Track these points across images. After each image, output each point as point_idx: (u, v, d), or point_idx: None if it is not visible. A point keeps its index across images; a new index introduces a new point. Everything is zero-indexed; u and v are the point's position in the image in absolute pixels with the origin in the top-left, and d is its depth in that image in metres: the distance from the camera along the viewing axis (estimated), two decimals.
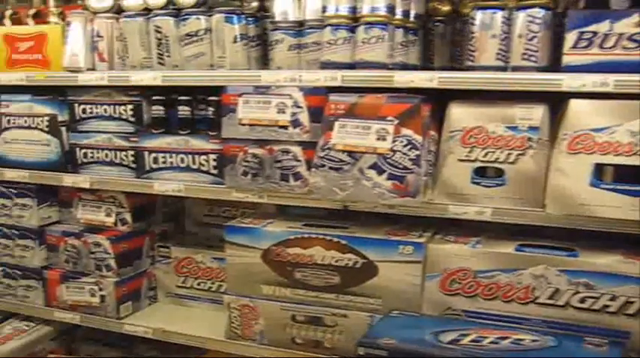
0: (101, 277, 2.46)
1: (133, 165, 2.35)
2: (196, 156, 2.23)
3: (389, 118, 1.91)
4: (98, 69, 2.31)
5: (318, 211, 2.26)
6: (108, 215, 2.50)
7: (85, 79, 2.30)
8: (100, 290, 2.46)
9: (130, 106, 2.34)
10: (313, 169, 1.99)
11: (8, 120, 2.54)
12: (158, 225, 2.64)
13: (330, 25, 1.98)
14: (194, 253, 2.54)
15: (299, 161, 2.05)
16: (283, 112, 2.03)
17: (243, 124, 2.09)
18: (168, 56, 2.19)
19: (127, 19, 2.22)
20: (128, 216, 2.48)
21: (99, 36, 2.27)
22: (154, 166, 2.30)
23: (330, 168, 1.97)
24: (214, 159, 2.20)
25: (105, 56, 2.28)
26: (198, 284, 2.55)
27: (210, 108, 2.21)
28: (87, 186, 2.41)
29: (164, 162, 2.28)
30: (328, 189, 1.98)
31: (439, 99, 1.98)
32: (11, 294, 2.64)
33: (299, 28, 2.11)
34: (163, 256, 2.59)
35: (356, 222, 2.18)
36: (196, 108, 2.26)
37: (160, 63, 2.20)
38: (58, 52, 2.34)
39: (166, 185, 2.27)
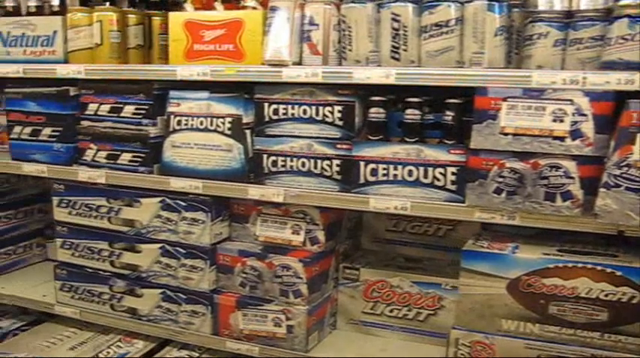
0: (288, 304, 2.13)
1: (338, 177, 2.02)
2: (430, 169, 1.89)
3: None
4: (306, 63, 1.97)
5: (526, 230, 1.98)
6: (295, 232, 2.16)
7: (292, 74, 1.95)
8: (288, 319, 2.12)
9: (338, 107, 1.99)
10: (603, 190, 1.67)
11: (178, 121, 2.18)
12: (342, 243, 2.31)
13: (628, 16, 1.66)
14: (389, 276, 2.21)
15: (571, 178, 1.73)
16: (561, 121, 1.71)
17: (506, 134, 1.76)
18: (405, 50, 1.85)
19: (353, 4, 1.87)
20: (321, 235, 2.14)
21: (313, 24, 1.92)
22: (371, 179, 1.96)
23: (628, 188, 1.65)
24: (453, 173, 1.88)
25: (319, 48, 1.92)
26: (391, 311, 2.23)
27: (449, 113, 1.88)
28: (280, 200, 2.06)
29: (385, 175, 1.94)
30: (620, 213, 1.66)
31: None
32: (171, 320, 2.29)
33: (567, 19, 1.79)
34: (349, 279, 2.27)
35: (618, 248, 1.89)
36: (426, 112, 1.93)
37: (393, 58, 1.86)
38: (256, 43, 1.98)
39: (387, 201, 1.94)
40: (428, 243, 2.38)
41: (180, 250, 2.24)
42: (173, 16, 2.11)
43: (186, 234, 2.23)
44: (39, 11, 2.35)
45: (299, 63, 1.98)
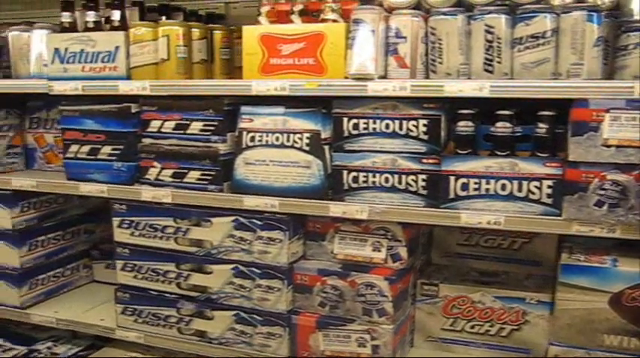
0: (372, 323, 2.07)
1: (424, 192, 1.96)
2: (524, 182, 1.85)
3: None
4: (392, 76, 1.91)
5: (605, 241, 1.94)
6: (376, 249, 2.10)
7: (378, 88, 1.89)
8: (373, 339, 2.07)
9: (423, 121, 1.94)
10: None
11: (252, 138, 2.11)
12: (418, 258, 2.26)
13: None
14: (470, 291, 2.16)
15: None
16: None
17: (609, 146, 1.72)
18: (499, 62, 1.80)
19: (444, 16, 1.82)
20: (403, 251, 2.08)
21: (400, 37, 1.87)
22: (462, 194, 1.91)
23: None
24: (549, 186, 1.83)
25: (407, 61, 1.87)
26: (472, 327, 2.18)
27: (543, 125, 1.84)
28: (364, 216, 2.00)
29: (477, 189, 1.89)
30: None
31: None
32: (245, 342, 2.21)
33: None
34: (428, 295, 2.21)
35: None
36: (515, 125, 1.89)
37: (487, 70, 1.81)
38: (339, 56, 1.92)
39: (480, 216, 1.89)
40: (502, 257, 2.33)
41: (256, 270, 2.17)
42: (247, 29, 2.04)
43: (261, 254, 2.16)
44: (97, 27, 2.27)
45: (384, 76, 1.93)
